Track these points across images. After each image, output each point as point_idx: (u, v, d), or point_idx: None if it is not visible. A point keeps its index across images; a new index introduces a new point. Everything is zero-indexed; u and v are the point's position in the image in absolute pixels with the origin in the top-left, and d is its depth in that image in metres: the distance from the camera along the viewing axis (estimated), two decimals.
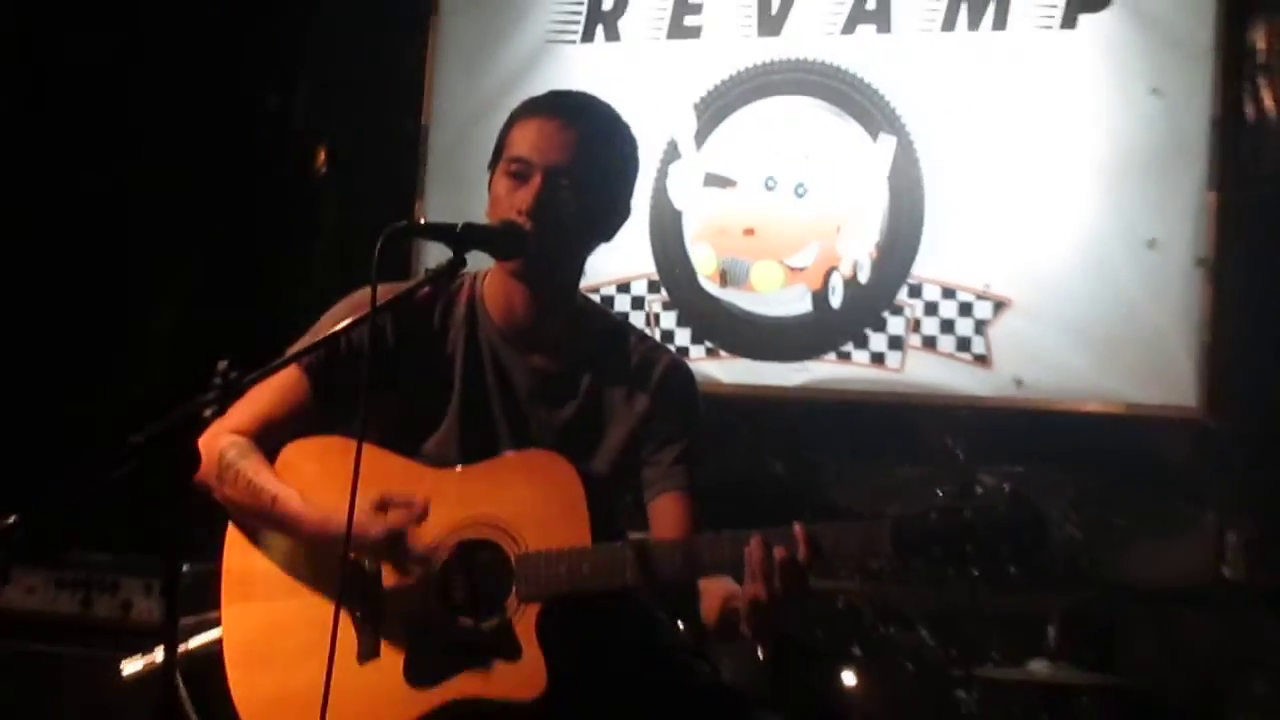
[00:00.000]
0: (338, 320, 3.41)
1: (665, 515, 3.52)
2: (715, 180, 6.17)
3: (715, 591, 3.37)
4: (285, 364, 3.32)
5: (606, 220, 3.56)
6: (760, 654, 4.61)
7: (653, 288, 6.20)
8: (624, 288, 6.16)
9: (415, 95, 6.51)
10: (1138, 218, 5.64)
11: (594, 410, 3.60)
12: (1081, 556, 5.42)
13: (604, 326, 3.73)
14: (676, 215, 6.19)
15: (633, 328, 3.88)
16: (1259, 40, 5.62)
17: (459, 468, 3.51)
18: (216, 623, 3.65)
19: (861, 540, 3.25)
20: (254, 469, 3.50)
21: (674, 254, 6.18)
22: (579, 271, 3.60)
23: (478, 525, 3.41)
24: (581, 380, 3.61)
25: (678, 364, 3.71)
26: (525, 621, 3.32)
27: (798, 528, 3.16)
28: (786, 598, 3.16)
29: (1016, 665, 4.71)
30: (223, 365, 2.91)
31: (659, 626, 3.66)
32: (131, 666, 4.37)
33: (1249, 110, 5.60)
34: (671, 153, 6.19)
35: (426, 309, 3.55)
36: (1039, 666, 4.66)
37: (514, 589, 3.35)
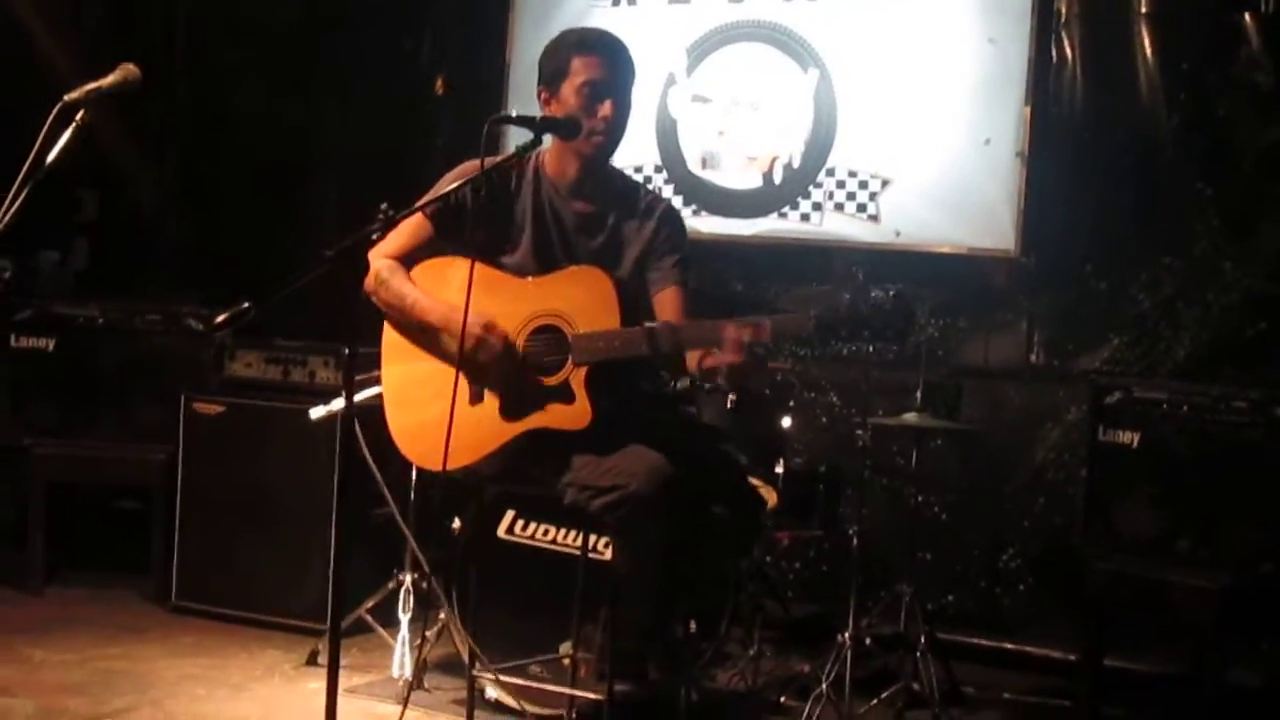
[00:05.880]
0: (451, 182, 3.43)
1: (666, 302, 3.55)
2: (699, 99, 6.08)
3: (693, 356, 3.38)
4: (421, 209, 3.34)
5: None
6: (729, 404, 4.66)
7: (658, 170, 6.12)
8: (639, 169, 6.06)
9: (502, 42, 6.42)
10: (979, 124, 5.56)
11: (616, 238, 3.62)
12: (937, 346, 5.51)
13: (622, 184, 3.75)
14: (673, 122, 6.11)
15: (641, 184, 3.91)
16: (1062, 6, 5.51)
17: (531, 278, 3.52)
18: (376, 383, 3.67)
19: (794, 326, 3.27)
20: (399, 281, 3.54)
21: (671, 147, 6.11)
22: None
23: (546, 315, 3.44)
24: (608, 219, 3.62)
25: (672, 206, 3.78)
26: (578, 378, 3.36)
27: (765, 320, 3.18)
28: (754, 364, 3.18)
29: (894, 416, 4.72)
30: (384, 206, 2.92)
31: (662, 381, 3.69)
32: (316, 413, 4.43)
33: (1053, 54, 5.50)
34: (670, 80, 6.09)
35: (507, 174, 3.56)
36: (910, 416, 4.68)
37: (570, 357, 3.37)
